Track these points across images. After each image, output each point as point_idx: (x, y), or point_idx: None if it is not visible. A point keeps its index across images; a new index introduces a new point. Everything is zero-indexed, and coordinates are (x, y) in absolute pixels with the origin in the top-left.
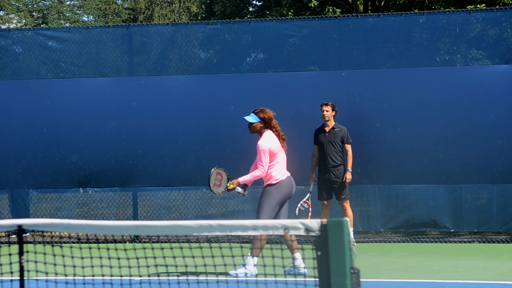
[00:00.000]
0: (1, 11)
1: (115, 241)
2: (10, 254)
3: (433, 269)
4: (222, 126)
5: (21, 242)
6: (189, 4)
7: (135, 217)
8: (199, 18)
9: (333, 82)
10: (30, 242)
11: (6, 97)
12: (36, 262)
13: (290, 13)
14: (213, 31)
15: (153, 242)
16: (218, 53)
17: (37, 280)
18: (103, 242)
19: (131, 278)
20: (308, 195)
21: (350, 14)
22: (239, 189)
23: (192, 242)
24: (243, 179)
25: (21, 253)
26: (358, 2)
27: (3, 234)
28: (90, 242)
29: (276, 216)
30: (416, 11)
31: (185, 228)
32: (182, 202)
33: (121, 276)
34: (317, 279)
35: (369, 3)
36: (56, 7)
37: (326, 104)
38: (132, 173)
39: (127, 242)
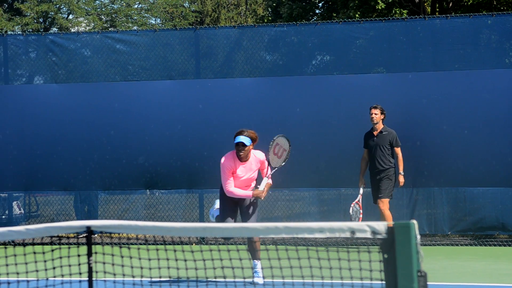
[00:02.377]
0: (71, 15)
1: (181, 243)
2: (79, 255)
3: (501, 273)
4: (288, 128)
5: (89, 243)
6: (255, 6)
7: (201, 219)
8: (265, 20)
9: (400, 85)
10: (99, 243)
11: (74, 100)
12: (104, 263)
13: (357, 15)
14: (279, 33)
15: (220, 244)
16: (284, 55)
17: (105, 281)
18: (170, 244)
19: (198, 280)
20: (359, 196)
21: (417, 16)
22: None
23: (267, 245)
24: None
25: (89, 254)
26: (425, 4)
27: (72, 235)
28: (157, 244)
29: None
30: (484, 12)
31: (251, 230)
32: None
33: (187, 278)
34: (383, 282)
35: (437, 5)
36: (124, 11)
37: (375, 107)
38: (198, 175)
39: (194, 244)
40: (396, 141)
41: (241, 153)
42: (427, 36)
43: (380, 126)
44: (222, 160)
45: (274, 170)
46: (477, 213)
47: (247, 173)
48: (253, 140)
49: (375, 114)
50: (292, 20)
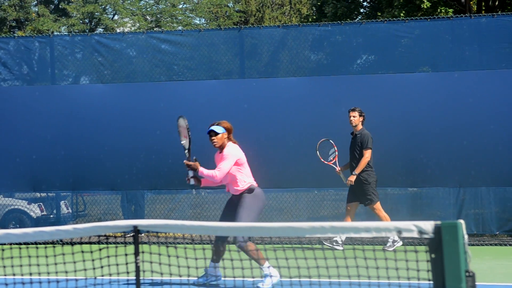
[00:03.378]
0: (116, 15)
1: (228, 242)
2: (126, 254)
3: None
4: (333, 128)
5: (136, 242)
6: (299, 6)
7: None
8: (310, 20)
9: (445, 83)
10: (145, 243)
11: (120, 100)
12: (151, 262)
13: (401, 14)
14: (324, 33)
15: (266, 243)
16: (328, 55)
17: (152, 280)
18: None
19: (244, 279)
20: (334, 160)
21: (463, 15)
22: (190, 174)
23: (304, 244)
24: (203, 170)
25: (136, 253)
26: (471, 3)
27: (119, 234)
28: (204, 243)
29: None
30: None
31: (297, 229)
32: (293, 203)
33: (234, 277)
34: (431, 282)
35: (483, 3)
36: (169, 11)
37: (353, 110)
38: None
39: None
40: (366, 143)
41: (214, 141)
42: (473, 34)
43: (358, 128)
44: None
45: (186, 151)
46: None
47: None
48: (227, 129)
49: (353, 116)
50: (336, 19)
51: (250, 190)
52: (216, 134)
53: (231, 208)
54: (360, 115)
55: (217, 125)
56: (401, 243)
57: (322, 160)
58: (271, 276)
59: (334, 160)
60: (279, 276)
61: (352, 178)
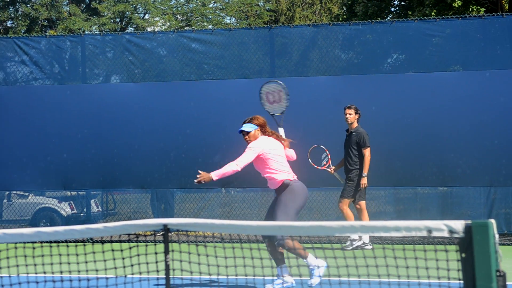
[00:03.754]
0: (147, 15)
1: (257, 241)
2: (156, 253)
3: None
4: (363, 126)
5: (166, 241)
6: (330, 5)
7: None
8: (340, 19)
9: (476, 83)
10: (175, 241)
11: (151, 98)
12: (181, 261)
13: (433, 13)
14: (354, 32)
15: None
16: (359, 54)
17: (182, 278)
18: (246, 242)
19: (274, 278)
20: (327, 165)
21: (495, 13)
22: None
23: (334, 243)
24: (218, 172)
25: (166, 252)
26: (503, 1)
27: (149, 233)
28: (233, 242)
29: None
30: None
31: (327, 229)
32: (323, 202)
33: (263, 276)
34: (461, 282)
35: None
36: (200, 10)
37: (349, 108)
38: None
39: None
40: (364, 142)
41: (247, 140)
42: (505, 33)
43: (353, 126)
44: None
45: (282, 116)
46: None
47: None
48: (259, 125)
49: (349, 114)
50: (367, 18)
51: (284, 185)
52: (248, 133)
53: (272, 205)
54: (356, 113)
55: (248, 122)
56: (360, 242)
57: (315, 166)
58: (318, 267)
59: (328, 164)
60: (326, 264)
61: (364, 180)
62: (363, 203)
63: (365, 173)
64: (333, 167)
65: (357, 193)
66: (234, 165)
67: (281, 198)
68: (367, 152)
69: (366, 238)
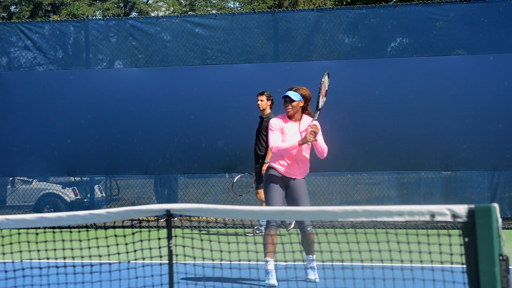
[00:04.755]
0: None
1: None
2: (159, 238)
3: None
4: (366, 111)
5: (169, 226)
6: None
7: None
8: (344, 3)
9: (480, 66)
10: (178, 227)
11: (154, 84)
12: (184, 246)
13: None
14: (358, 16)
15: (298, 227)
16: (363, 38)
17: (185, 264)
18: (249, 227)
19: (277, 263)
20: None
21: None
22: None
23: (337, 228)
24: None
25: (169, 237)
26: None
27: (152, 218)
28: (236, 227)
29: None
30: None
31: (330, 213)
32: (327, 187)
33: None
34: (464, 266)
35: None
36: None
37: (262, 94)
38: None
39: None
40: None
41: (288, 109)
42: (509, 17)
43: (266, 112)
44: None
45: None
46: None
47: (295, 135)
48: (304, 97)
49: (261, 100)
50: (371, 2)
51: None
52: (292, 101)
53: (290, 192)
54: (268, 99)
55: (295, 90)
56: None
57: (241, 195)
58: (269, 274)
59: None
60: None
61: (265, 166)
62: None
63: (267, 159)
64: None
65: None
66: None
67: (304, 184)
68: None
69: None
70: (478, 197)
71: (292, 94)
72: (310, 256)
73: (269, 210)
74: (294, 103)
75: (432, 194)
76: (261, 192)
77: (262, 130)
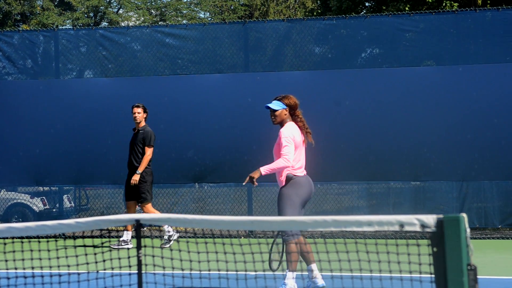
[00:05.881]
0: (121, 9)
1: (230, 236)
2: (128, 248)
3: None
4: (336, 121)
5: (139, 236)
6: (304, 0)
7: (249, 212)
8: (315, 13)
9: (449, 77)
10: (148, 237)
11: (124, 93)
12: (153, 256)
13: (406, 8)
14: (328, 26)
15: (268, 237)
16: (333, 48)
17: (154, 274)
18: (218, 237)
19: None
20: None
21: (468, 8)
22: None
23: (307, 238)
24: (266, 168)
25: (139, 247)
26: None
27: (122, 228)
28: (206, 237)
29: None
30: None
31: (300, 223)
32: (321, 196)
33: (236, 271)
34: (433, 276)
35: None
36: (174, 5)
37: (138, 106)
38: (247, 168)
39: (242, 237)
40: (149, 141)
41: (272, 119)
42: (478, 28)
43: (141, 125)
44: None
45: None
46: None
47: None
48: (288, 106)
49: (138, 113)
50: (341, 13)
51: (287, 179)
52: (275, 111)
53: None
54: (144, 112)
55: (279, 99)
56: (130, 246)
57: None
58: (285, 285)
59: None
60: None
61: (136, 177)
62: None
63: (140, 170)
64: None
65: (150, 193)
66: (284, 161)
67: (283, 191)
68: (149, 151)
69: (127, 236)
70: (447, 207)
71: (273, 104)
72: (310, 265)
73: (237, 220)
74: (277, 112)
75: (401, 204)
76: (150, 204)
77: (138, 142)
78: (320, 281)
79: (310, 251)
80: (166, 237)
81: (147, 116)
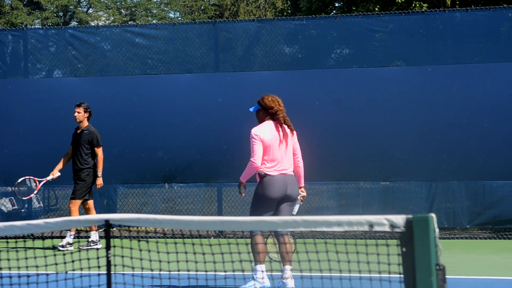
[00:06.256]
0: (90, 9)
1: (200, 236)
2: (97, 249)
3: None
4: (306, 121)
5: (108, 236)
6: (274, 0)
7: (219, 213)
8: (285, 14)
9: (419, 78)
10: (117, 237)
11: (94, 93)
12: (122, 256)
13: (376, 9)
14: (298, 27)
15: (238, 237)
16: (303, 48)
17: (123, 274)
18: (188, 237)
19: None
20: (45, 180)
21: (437, 9)
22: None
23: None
24: (242, 176)
25: (108, 247)
26: None
27: (89, 229)
28: (176, 237)
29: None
30: (504, 5)
31: (270, 224)
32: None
33: (206, 271)
34: (402, 276)
35: None
36: (144, 4)
37: (79, 106)
38: (217, 169)
39: (212, 238)
40: (97, 141)
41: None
42: (447, 29)
43: (84, 125)
44: None
45: None
46: (496, 206)
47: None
48: (260, 105)
49: (78, 112)
50: (311, 14)
51: (260, 177)
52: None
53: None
54: (85, 111)
55: (258, 102)
56: (99, 246)
57: (24, 198)
58: (255, 279)
59: (36, 184)
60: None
61: (100, 180)
62: (91, 202)
63: (99, 173)
64: (54, 172)
65: (87, 193)
66: (250, 163)
67: (255, 190)
68: (100, 151)
69: (95, 236)
70: (416, 207)
71: (253, 107)
72: (285, 266)
73: (207, 220)
74: (256, 114)
75: (370, 204)
76: (77, 202)
77: (83, 143)
78: (291, 284)
79: (290, 252)
80: (64, 242)
81: (90, 115)
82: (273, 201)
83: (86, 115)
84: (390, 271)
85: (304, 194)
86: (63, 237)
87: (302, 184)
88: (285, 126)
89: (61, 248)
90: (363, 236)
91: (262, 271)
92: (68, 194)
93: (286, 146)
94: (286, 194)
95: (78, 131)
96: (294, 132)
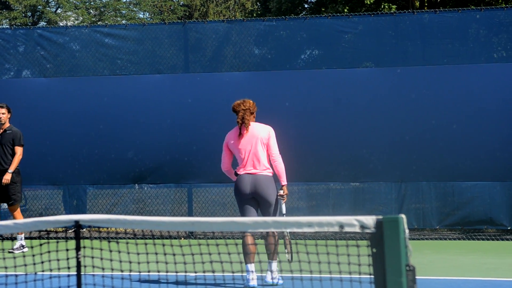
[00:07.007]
0: (59, 9)
1: (170, 237)
2: (67, 250)
3: (489, 267)
4: (276, 122)
5: (78, 237)
6: (244, 0)
7: (190, 213)
8: (254, 15)
9: (388, 79)
10: (87, 238)
11: (63, 94)
12: (92, 257)
13: (345, 10)
14: (268, 28)
15: (208, 238)
16: (273, 49)
17: (93, 275)
18: (158, 238)
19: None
20: None
21: (406, 11)
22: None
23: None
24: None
25: (78, 248)
26: None
27: (61, 229)
28: (146, 238)
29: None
30: (472, 7)
31: (240, 224)
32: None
33: (176, 272)
34: (372, 276)
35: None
36: (113, 5)
37: (2, 107)
38: (187, 169)
39: (182, 238)
40: (19, 140)
41: None
42: (416, 30)
43: (7, 125)
44: None
45: None
46: (465, 207)
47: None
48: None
49: (2, 113)
50: (281, 15)
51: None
52: None
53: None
54: (9, 112)
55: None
56: (26, 250)
57: None
58: (248, 278)
59: None
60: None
61: (8, 176)
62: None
63: (11, 169)
64: None
65: (20, 194)
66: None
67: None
68: (20, 150)
69: (23, 241)
70: (386, 208)
71: None
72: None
73: (177, 221)
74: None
75: (341, 205)
76: (17, 205)
77: (7, 143)
78: (268, 278)
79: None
80: (18, 244)
81: (11, 116)
82: (243, 197)
83: (9, 115)
84: (361, 272)
85: (282, 192)
86: (32, 238)
87: (283, 183)
88: (244, 126)
89: (16, 252)
90: (333, 237)
91: (252, 271)
92: (36, 195)
93: (251, 146)
94: (255, 193)
95: (0, 132)
96: (269, 132)
